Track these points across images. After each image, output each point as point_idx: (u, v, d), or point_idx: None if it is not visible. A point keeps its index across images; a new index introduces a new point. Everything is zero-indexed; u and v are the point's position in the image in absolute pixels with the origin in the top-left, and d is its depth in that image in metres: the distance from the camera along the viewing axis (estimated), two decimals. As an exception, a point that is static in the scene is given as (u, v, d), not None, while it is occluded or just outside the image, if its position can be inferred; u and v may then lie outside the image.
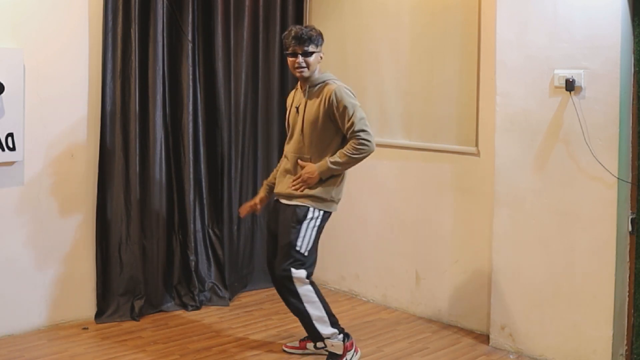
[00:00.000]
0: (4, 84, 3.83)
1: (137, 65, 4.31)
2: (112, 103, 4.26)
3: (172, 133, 4.56)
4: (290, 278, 3.55)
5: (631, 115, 3.56)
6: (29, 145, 4.01)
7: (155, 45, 4.40)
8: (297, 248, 3.57)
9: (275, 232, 3.71)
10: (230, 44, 4.78)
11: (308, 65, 3.59)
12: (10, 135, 3.90)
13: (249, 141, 4.95)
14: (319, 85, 3.64)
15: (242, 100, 4.88)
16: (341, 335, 3.68)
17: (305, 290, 3.57)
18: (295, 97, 3.78)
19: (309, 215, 3.58)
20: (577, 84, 3.55)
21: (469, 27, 4.20)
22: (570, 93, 3.59)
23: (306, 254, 3.60)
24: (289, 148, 3.73)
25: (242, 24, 4.84)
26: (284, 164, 3.75)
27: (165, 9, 4.44)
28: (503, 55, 3.87)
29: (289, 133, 3.77)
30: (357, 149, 3.52)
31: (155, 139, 4.43)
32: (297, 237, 3.57)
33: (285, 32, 3.66)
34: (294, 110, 3.74)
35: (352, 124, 3.52)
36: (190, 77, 4.58)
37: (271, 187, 3.89)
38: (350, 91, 3.61)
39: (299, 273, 3.55)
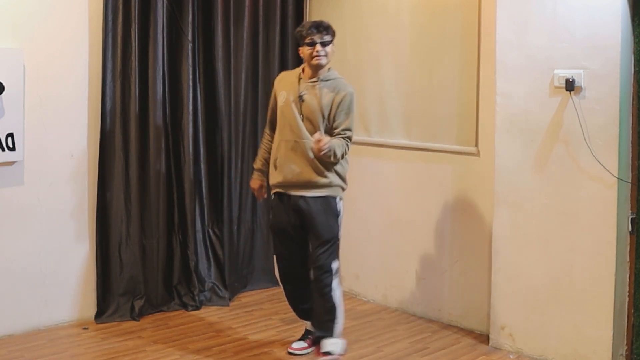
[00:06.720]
0: (4, 84, 3.83)
1: (137, 65, 4.31)
2: (112, 103, 4.26)
3: (172, 133, 4.56)
4: (332, 273, 3.59)
5: (631, 115, 3.56)
6: (29, 145, 4.01)
7: (155, 45, 4.40)
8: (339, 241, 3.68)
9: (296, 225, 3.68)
10: (230, 44, 4.77)
11: (326, 54, 3.62)
12: (10, 135, 3.90)
13: (249, 141, 4.95)
14: (332, 80, 3.66)
15: (242, 100, 4.88)
16: None
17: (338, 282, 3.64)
18: (291, 85, 3.71)
19: (339, 206, 3.67)
20: (577, 84, 3.55)
21: (469, 27, 4.19)
22: (570, 93, 3.59)
23: None
24: (286, 135, 3.64)
25: (242, 24, 4.84)
26: (283, 151, 3.62)
27: (165, 9, 4.44)
28: (503, 55, 3.87)
29: (284, 119, 3.68)
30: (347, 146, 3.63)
31: (155, 139, 4.43)
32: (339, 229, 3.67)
33: (300, 27, 3.68)
34: (294, 97, 3.66)
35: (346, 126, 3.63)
36: (190, 77, 4.58)
37: (264, 173, 3.85)
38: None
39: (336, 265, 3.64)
